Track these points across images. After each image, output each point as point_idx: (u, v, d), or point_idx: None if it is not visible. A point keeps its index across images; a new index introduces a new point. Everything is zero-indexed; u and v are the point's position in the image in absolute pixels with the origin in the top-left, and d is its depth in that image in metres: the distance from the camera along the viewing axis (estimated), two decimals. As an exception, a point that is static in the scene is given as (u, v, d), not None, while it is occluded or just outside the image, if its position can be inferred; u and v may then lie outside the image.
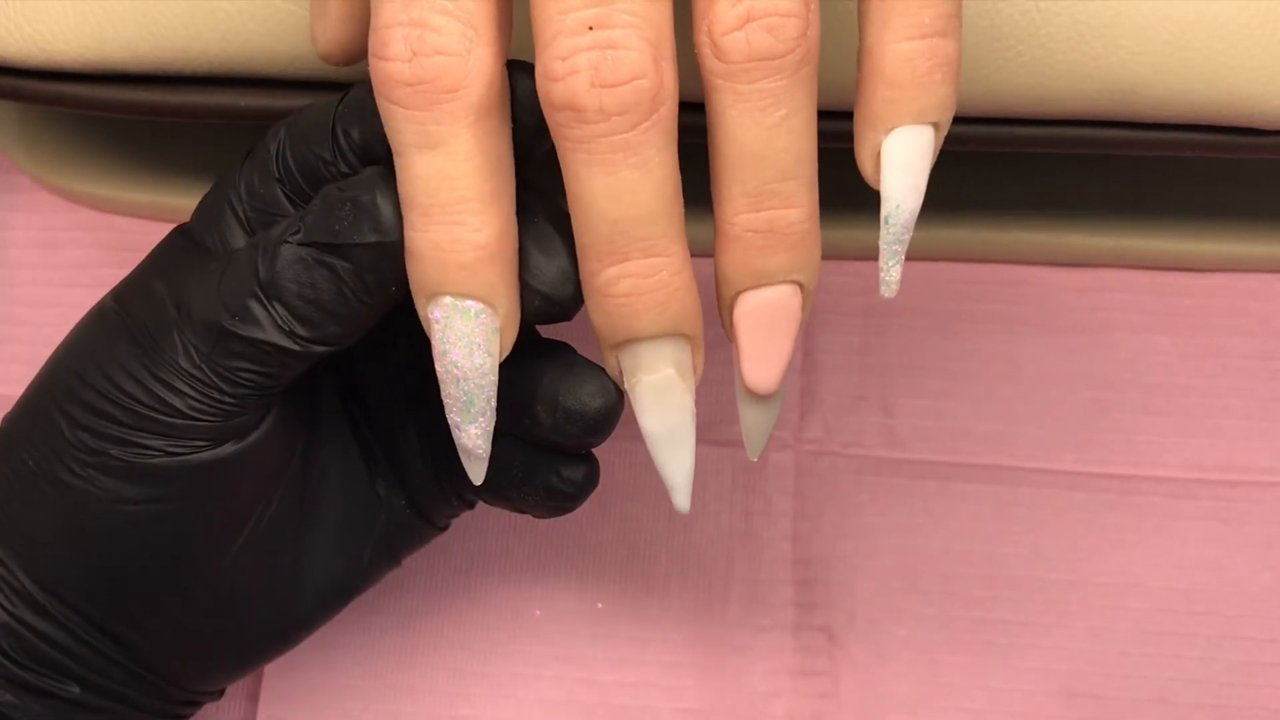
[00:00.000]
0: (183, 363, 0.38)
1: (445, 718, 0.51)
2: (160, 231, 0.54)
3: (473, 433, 0.38)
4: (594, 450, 0.42)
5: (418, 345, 0.38)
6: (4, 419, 0.42)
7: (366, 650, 0.52)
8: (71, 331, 0.41)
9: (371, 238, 0.37)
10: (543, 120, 0.36)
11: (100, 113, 0.47)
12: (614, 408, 0.40)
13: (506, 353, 0.38)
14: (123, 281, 0.41)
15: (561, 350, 0.41)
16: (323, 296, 0.38)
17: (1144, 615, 0.51)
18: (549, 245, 0.38)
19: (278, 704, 0.51)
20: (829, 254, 0.53)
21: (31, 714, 0.41)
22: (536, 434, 0.41)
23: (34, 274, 0.55)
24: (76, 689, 0.41)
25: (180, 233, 0.42)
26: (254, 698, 0.51)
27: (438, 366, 0.38)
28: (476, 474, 0.40)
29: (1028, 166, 0.54)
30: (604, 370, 0.39)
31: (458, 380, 0.37)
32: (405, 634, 0.52)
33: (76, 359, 0.40)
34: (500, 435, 0.40)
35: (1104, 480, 0.53)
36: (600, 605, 0.52)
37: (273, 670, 0.51)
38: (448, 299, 0.37)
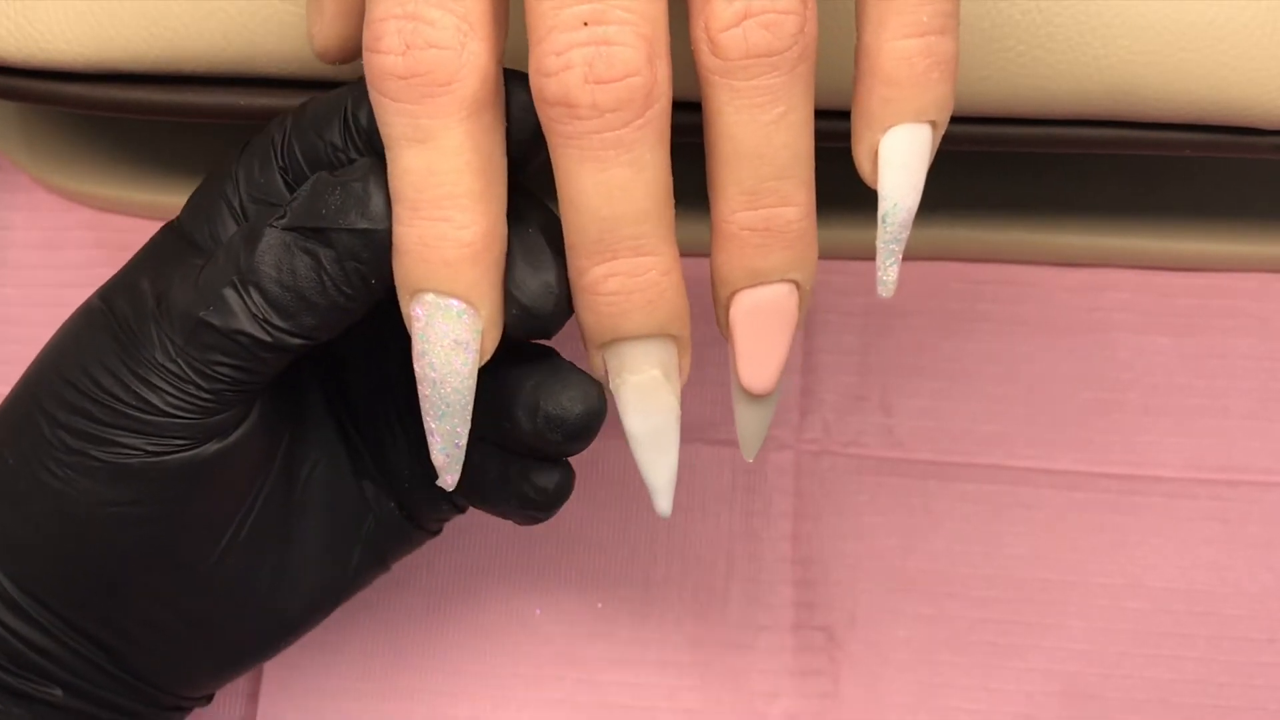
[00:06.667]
0: (160, 358, 0.38)
1: (445, 718, 0.51)
2: (160, 231, 0.55)
3: (447, 438, 0.38)
4: (590, 450, 0.42)
5: (407, 347, 0.38)
6: None
7: (365, 651, 0.52)
8: (58, 331, 0.41)
9: (359, 224, 0.37)
10: (537, 132, 0.36)
11: (100, 113, 0.47)
12: (596, 414, 0.39)
13: (488, 357, 0.37)
14: (110, 279, 0.41)
15: (545, 354, 0.40)
16: (301, 284, 0.37)
17: (1144, 616, 0.51)
18: (537, 257, 0.37)
19: (277, 704, 0.51)
20: (828, 254, 0.53)
21: (14, 718, 0.41)
22: (515, 439, 0.40)
23: (34, 274, 0.55)
24: (59, 692, 0.41)
25: (170, 229, 0.41)
26: (254, 698, 0.51)
27: (416, 366, 0.37)
28: (449, 480, 0.39)
29: (1028, 166, 0.54)
30: (588, 376, 0.39)
31: (435, 382, 0.37)
32: (404, 634, 0.52)
33: (60, 357, 0.40)
34: (477, 440, 0.40)
35: (1104, 480, 0.53)
36: (600, 605, 0.52)
37: (272, 671, 0.51)
38: (430, 296, 0.36)
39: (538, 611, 0.52)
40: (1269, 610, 0.51)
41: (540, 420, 0.39)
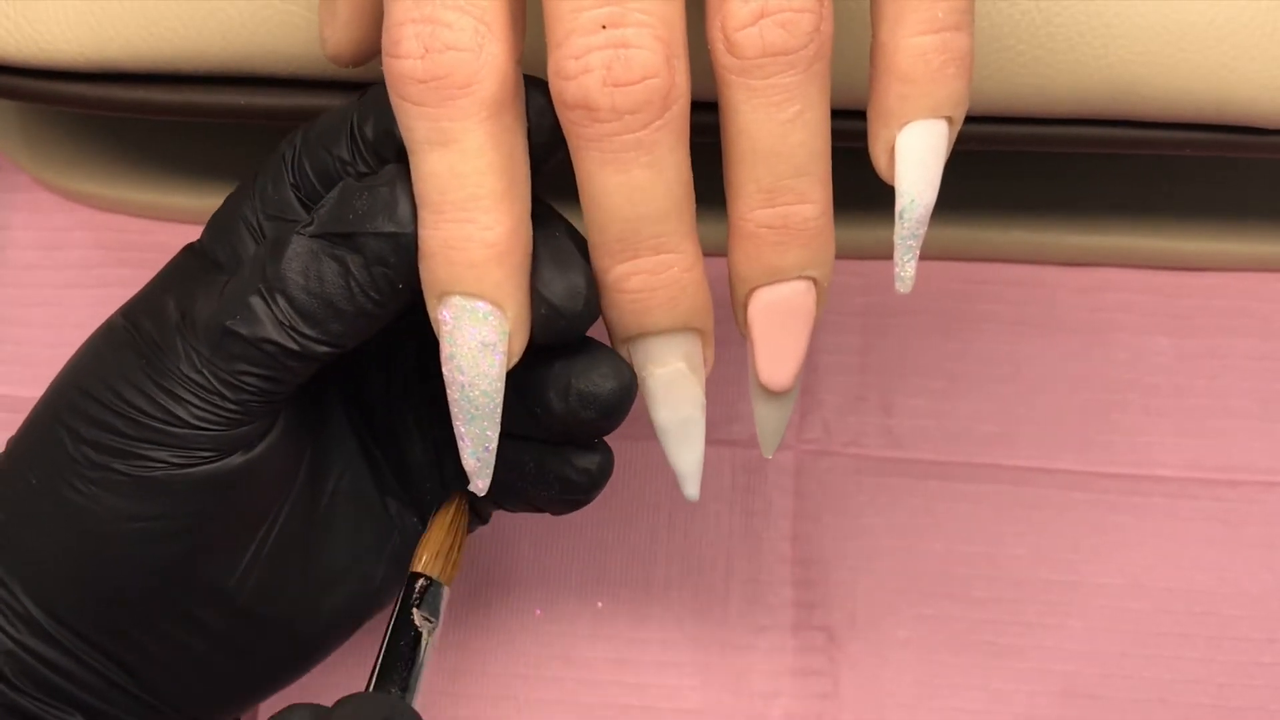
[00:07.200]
0: (185, 369, 0.38)
1: (445, 718, 0.51)
2: (161, 231, 0.55)
3: (477, 441, 0.38)
4: None
5: (427, 360, 0.37)
6: (8, 441, 0.41)
7: (366, 651, 0.51)
8: (78, 350, 0.41)
9: (387, 227, 0.36)
10: (553, 135, 0.36)
11: (100, 112, 0.47)
12: (628, 389, 0.39)
13: (515, 360, 0.37)
14: (131, 299, 0.41)
15: None
16: (328, 290, 0.37)
17: (1144, 616, 0.51)
18: (565, 259, 0.37)
19: (278, 703, 0.51)
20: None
21: None
22: (547, 424, 0.40)
23: (34, 274, 0.55)
24: (80, 718, 0.41)
25: (190, 250, 0.41)
26: (254, 697, 0.51)
27: (444, 370, 0.37)
28: (480, 484, 0.39)
29: (1028, 166, 0.54)
30: (616, 353, 0.39)
31: (463, 385, 0.37)
32: (405, 634, 0.52)
33: (81, 374, 0.40)
34: (510, 438, 0.40)
35: (1104, 480, 0.53)
36: (600, 605, 0.52)
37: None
38: (457, 299, 0.36)
39: (538, 611, 0.52)
40: (1269, 610, 0.51)
41: (573, 398, 0.39)
